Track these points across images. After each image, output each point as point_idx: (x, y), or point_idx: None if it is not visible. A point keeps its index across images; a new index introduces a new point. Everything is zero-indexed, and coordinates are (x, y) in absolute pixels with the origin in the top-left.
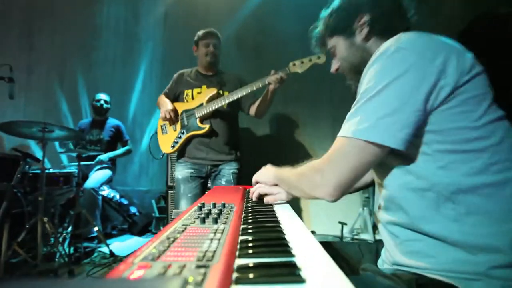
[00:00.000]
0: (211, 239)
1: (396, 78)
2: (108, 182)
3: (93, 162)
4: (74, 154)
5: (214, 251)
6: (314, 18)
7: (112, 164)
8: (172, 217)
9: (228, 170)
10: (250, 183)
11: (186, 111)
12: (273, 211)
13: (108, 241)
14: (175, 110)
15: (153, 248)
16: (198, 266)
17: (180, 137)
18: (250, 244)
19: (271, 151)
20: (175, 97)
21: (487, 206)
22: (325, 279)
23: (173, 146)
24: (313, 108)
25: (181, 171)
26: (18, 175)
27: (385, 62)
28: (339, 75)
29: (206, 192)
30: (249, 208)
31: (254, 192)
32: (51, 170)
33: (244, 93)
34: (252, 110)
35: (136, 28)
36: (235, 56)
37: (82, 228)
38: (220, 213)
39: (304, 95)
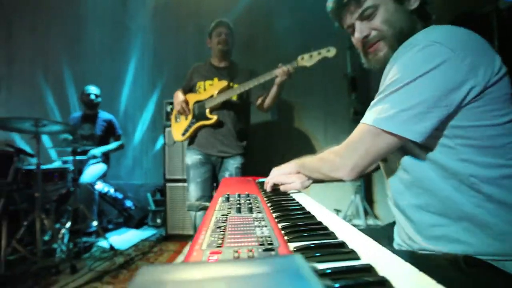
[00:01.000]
0: (259, 227)
1: (425, 73)
2: (103, 176)
3: (85, 157)
4: (69, 149)
5: (269, 237)
6: (306, 15)
7: (105, 158)
8: (186, 209)
9: (232, 164)
10: (253, 174)
11: (197, 101)
12: (294, 199)
13: (106, 235)
14: (186, 101)
15: (210, 236)
16: (267, 249)
17: (190, 126)
18: (295, 229)
19: (261, 143)
20: (190, 89)
21: (506, 196)
22: (376, 255)
23: (184, 134)
24: (303, 99)
25: (191, 157)
26: (13, 171)
27: (416, 55)
28: (331, 63)
29: (219, 183)
30: (272, 198)
31: (269, 181)
32: (46, 166)
33: (252, 86)
34: (259, 103)
35: (125, 18)
36: None
37: (80, 223)
38: (250, 203)
39: (295, 86)
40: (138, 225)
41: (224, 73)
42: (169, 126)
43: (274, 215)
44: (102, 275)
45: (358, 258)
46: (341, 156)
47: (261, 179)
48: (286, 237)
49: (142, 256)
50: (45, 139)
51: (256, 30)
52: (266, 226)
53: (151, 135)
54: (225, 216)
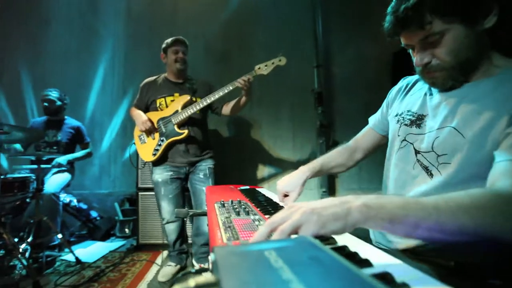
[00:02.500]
0: (260, 225)
1: None
2: (66, 186)
3: (49, 166)
4: (33, 158)
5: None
6: (279, 31)
7: (70, 167)
8: (175, 216)
9: (205, 165)
10: (227, 181)
11: (162, 119)
12: (279, 204)
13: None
14: (150, 120)
15: (225, 233)
16: None
17: (160, 145)
18: None
19: (235, 152)
20: (147, 107)
21: None
22: (383, 260)
23: (155, 154)
24: (274, 111)
25: (161, 174)
26: None
27: None
28: (299, 79)
29: (196, 190)
30: (262, 203)
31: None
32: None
33: (217, 97)
34: (226, 110)
35: (94, 21)
36: (203, 58)
37: (42, 236)
38: (245, 208)
39: (266, 98)
40: (104, 236)
41: (184, 88)
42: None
43: (267, 216)
44: None
45: (371, 266)
46: None
47: (243, 187)
48: None
49: (113, 267)
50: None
51: (231, 44)
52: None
53: (121, 142)
54: (228, 219)
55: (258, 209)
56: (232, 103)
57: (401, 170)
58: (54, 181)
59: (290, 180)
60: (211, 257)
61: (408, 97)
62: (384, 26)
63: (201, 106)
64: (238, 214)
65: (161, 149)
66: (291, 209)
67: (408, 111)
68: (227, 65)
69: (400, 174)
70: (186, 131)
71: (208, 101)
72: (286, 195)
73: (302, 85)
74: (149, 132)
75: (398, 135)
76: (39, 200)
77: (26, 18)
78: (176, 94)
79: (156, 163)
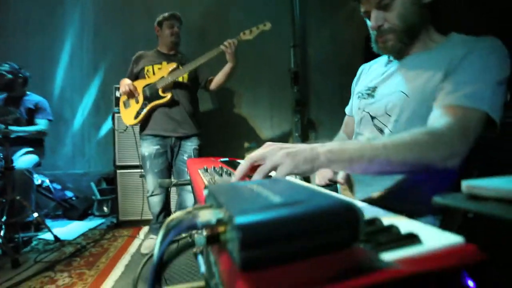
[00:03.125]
0: None
1: None
2: (36, 166)
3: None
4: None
5: None
6: (257, 10)
7: (39, 146)
8: (159, 186)
9: (190, 146)
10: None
11: (147, 85)
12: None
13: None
14: (133, 85)
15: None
16: None
17: (143, 108)
18: None
19: (214, 129)
20: (136, 76)
21: None
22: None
23: (136, 117)
24: (252, 90)
25: (148, 147)
26: None
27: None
28: (277, 58)
29: (179, 166)
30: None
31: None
32: None
33: (202, 61)
34: (213, 84)
35: None
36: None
37: (16, 215)
38: (227, 171)
39: (245, 77)
40: (82, 216)
41: (174, 59)
42: (118, 112)
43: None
44: (52, 265)
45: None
46: (454, 141)
47: (223, 159)
48: None
49: (94, 243)
50: None
51: (209, 21)
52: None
53: (94, 121)
54: (212, 179)
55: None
56: (218, 75)
57: (361, 138)
58: (24, 159)
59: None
60: (204, 192)
61: (366, 76)
62: None
63: (186, 71)
64: (220, 175)
65: (143, 112)
66: (268, 147)
67: (366, 86)
68: (205, 43)
69: (361, 140)
70: (169, 94)
71: (193, 66)
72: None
73: (280, 64)
74: (132, 95)
75: (359, 108)
76: (10, 178)
77: None
78: (164, 63)
79: (143, 134)
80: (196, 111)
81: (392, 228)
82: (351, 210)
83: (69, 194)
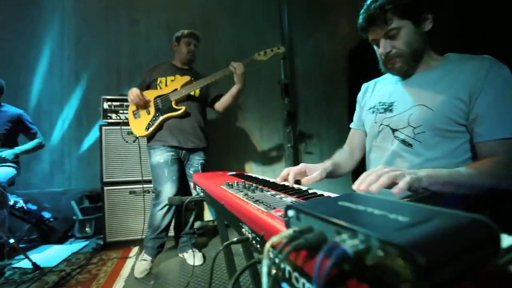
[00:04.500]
0: (282, 197)
1: None
2: (10, 184)
3: None
4: None
5: (296, 201)
6: (243, 23)
7: (15, 162)
8: (167, 203)
9: (197, 160)
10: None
11: (159, 96)
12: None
13: (22, 256)
14: (142, 94)
15: (258, 205)
16: None
17: (155, 119)
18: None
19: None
20: (148, 86)
21: None
22: None
23: (148, 129)
24: (241, 101)
25: (162, 155)
26: None
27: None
28: (266, 70)
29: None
30: (266, 181)
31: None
32: None
33: (213, 79)
34: (218, 105)
35: None
36: (166, 45)
37: None
38: (255, 186)
39: (231, 87)
40: (61, 239)
41: (187, 72)
42: (106, 124)
43: (281, 191)
44: None
45: None
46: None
47: (231, 173)
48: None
49: (80, 269)
50: None
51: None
52: (286, 198)
53: (75, 135)
54: (247, 195)
55: (266, 187)
56: (225, 96)
57: (382, 150)
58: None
59: (313, 165)
60: (288, 213)
61: (376, 93)
62: (358, 24)
63: (198, 86)
64: (253, 191)
65: (155, 123)
66: (387, 168)
67: (379, 102)
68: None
69: (382, 153)
70: (183, 108)
71: (204, 83)
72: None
73: (268, 76)
74: (140, 105)
75: (375, 122)
76: None
77: None
78: (178, 76)
79: (153, 144)
80: (205, 125)
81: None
82: (489, 224)
83: (46, 215)
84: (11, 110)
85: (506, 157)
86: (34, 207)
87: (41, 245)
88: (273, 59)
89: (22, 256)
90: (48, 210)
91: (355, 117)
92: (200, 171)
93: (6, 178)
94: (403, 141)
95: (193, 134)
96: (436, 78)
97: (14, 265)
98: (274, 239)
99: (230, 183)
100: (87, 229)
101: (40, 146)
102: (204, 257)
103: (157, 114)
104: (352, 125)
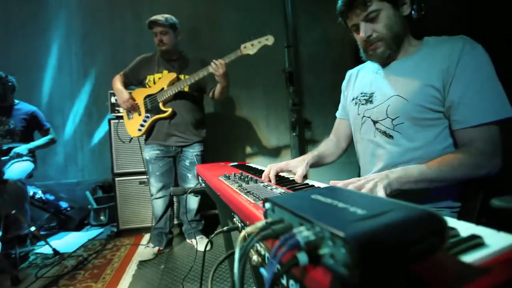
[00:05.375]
0: (273, 189)
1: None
2: (29, 177)
3: (7, 157)
4: None
5: (286, 192)
6: (248, 10)
7: (32, 156)
8: (172, 194)
9: (192, 152)
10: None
11: (148, 96)
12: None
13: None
14: (132, 98)
15: (248, 196)
16: None
17: (145, 121)
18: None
19: (211, 131)
20: (139, 82)
21: None
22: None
23: (140, 130)
24: (247, 91)
25: (149, 152)
26: None
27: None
28: (271, 59)
29: (181, 171)
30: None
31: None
32: None
33: (193, 80)
34: (212, 94)
35: None
36: None
37: (12, 230)
38: (251, 178)
39: (240, 79)
40: (78, 226)
41: (175, 65)
42: (114, 118)
43: (272, 182)
44: (56, 280)
45: None
46: (491, 160)
47: (233, 163)
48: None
49: (96, 254)
50: None
51: (200, 22)
52: (277, 188)
53: (86, 128)
54: (241, 187)
55: (262, 177)
56: (215, 90)
57: (366, 142)
58: (16, 169)
59: (293, 160)
60: (266, 205)
61: (358, 82)
62: (337, 8)
63: (185, 84)
64: (247, 182)
65: (146, 125)
66: (362, 180)
67: (361, 93)
68: (197, 44)
69: (367, 144)
70: (169, 109)
71: (188, 82)
72: (279, 173)
73: (273, 65)
74: (133, 109)
75: (358, 114)
76: (4, 193)
77: None
78: (165, 72)
79: (146, 141)
80: (198, 119)
81: (452, 231)
82: (437, 217)
83: (63, 204)
84: (25, 107)
85: (483, 143)
86: (52, 197)
87: (60, 232)
88: (276, 48)
89: (43, 243)
90: (64, 200)
91: (340, 106)
92: (197, 163)
93: (25, 174)
94: (384, 133)
95: (182, 131)
96: (412, 66)
97: (37, 251)
98: (248, 229)
99: (227, 174)
100: (101, 217)
101: (52, 142)
102: (211, 243)
103: (147, 115)
104: (337, 114)
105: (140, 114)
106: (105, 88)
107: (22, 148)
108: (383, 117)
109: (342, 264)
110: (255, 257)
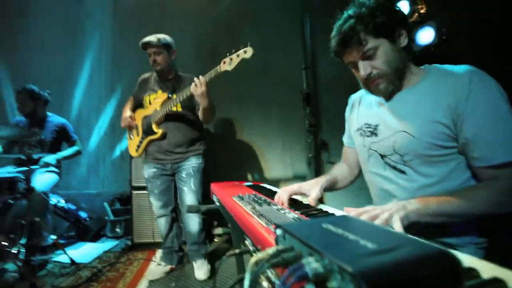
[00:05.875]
0: (286, 213)
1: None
2: (55, 187)
3: (37, 166)
4: (23, 157)
5: (299, 218)
6: (267, 32)
7: (57, 167)
8: (187, 211)
9: (188, 165)
10: (219, 180)
11: (145, 117)
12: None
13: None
14: (131, 117)
15: (261, 220)
16: None
17: (141, 142)
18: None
19: (224, 150)
20: (140, 103)
21: None
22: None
23: (137, 150)
24: (262, 111)
25: (147, 170)
26: None
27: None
28: (288, 80)
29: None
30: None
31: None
32: None
33: (181, 98)
34: (199, 115)
35: (79, 13)
36: (192, 55)
37: (35, 237)
38: (264, 200)
39: (255, 99)
40: (95, 237)
41: (169, 85)
42: None
43: (285, 205)
44: None
45: None
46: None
47: (247, 183)
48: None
49: (110, 267)
50: None
51: (221, 42)
52: (290, 213)
53: (109, 141)
54: (254, 209)
55: (275, 200)
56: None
57: (374, 175)
58: (43, 180)
59: (307, 182)
60: (277, 232)
61: (362, 111)
62: (331, 48)
63: (170, 106)
64: (261, 205)
65: (142, 146)
66: (377, 210)
67: (365, 123)
68: (216, 64)
69: (374, 178)
70: (160, 131)
71: (172, 105)
72: (292, 197)
73: (290, 85)
74: (131, 128)
75: (364, 146)
76: (30, 200)
77: (5, 9)
78: (159, 92)
79: (144, 160)
80: (193, 138)
81: (472, 272)
82: (450, 256)
83: (83, 214)
84: (56, 119)
85: (509, 181)
86: (73, 207)
87: (78, 242)
88: (293, 69)
89: (61, 252)
90: (84, 210)
91: (345, 133)
92: (193, 174)
93: (50, 186)
94: (395, 168)
95: (174, 150)
96: (416, 99)
97: (54, 259)
98: (259, 255)
99: (241, 195)
100: (117, 229)
101: (77, 153)
102: (212, 269)
103: (143, 136)
104: (344, 141)
105: (138, 135)
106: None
107: (51, 158)
108: (391, 152)
109: None
110: (265, 284)
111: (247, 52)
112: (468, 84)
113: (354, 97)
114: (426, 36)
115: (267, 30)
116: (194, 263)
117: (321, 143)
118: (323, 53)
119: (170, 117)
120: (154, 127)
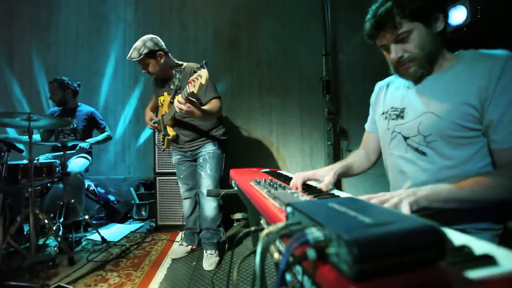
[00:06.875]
0: (299, 196)
1: None
2: (86, 171)
3: (74, 151)
4: (59, 144)
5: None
6: (287, 20)
7: (89, 153)
8: (207, 195)
9: (205, 151)
10: (237, 166)
11: (162, 115)
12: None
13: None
14: (151, 120)
15: (275, 201)
16: None
17: (163, 139)
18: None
19: (244, 136)
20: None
21: None
22: None
23: (163, 145)
24: (282, 98)
25: (174, 157)
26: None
27: None
28: (308, 67)
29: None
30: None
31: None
32: (35, 161)
33: (172, 114)
34: None
35: (103, 8)
36: (211, 44)
37: (71, 216)
38: (279, 184)
39: (275, 86)
40: (122, 219)
41: (168, 86)
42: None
43: (299, 189)
44: (103, 265)
45: None
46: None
47: (265, 170)
48: None
49: (136, 246)
50: (12, 133)
51: (240, 31)
52: (302, 196)
53: (134, 130)
54: (270, 192)
55: (290, 185)
56: None
57: (395, 157)
58: (77, 163)
59: (322, 169)
60: (288, 209)
61: (388, 97)
62: (365, 31)
63: (172, 114)
64: (276, 189)
65: (164, 143)
66: (387, 195)
67: (392, 107)
68: (236, 52)
69: (395, 160)
70: (173, 133)
71: (173, 112)
72: (307, 182)
73: (310, 72)
74: (155, 128)
75: (388, 129)
76: (66, 183)
77: (37, 5)
78: (165, 93)
79: (172, 147)
80: (204, 129)
81: (464, 248)
82: (438, 230)
83: (112, 198)
84: (85, 109)
85: None
86: (102, 191)
87: (107, 223)
88: (314, 56)
89: (94, 231)
90: (112, 194)
91: (369, 119)
92: (209, 159)
93: (83, 168)
94: (417, 149)
95: (192, 139)
96: (446, 82)
97: (88, 237)
98: (270, 228)
99: (258, 180)
100: (142, 212)
101: (108, 138)
102: (220, 261)
103: (163, 135)
104: (366, 127)
105: (161, 131)
106: (151, 94)
107: (86, 143)
108: (415, 134)
109: (344, 262)
110: (276, 255)
111: (201, 77)
112: (502, 67)
113: (381, 84)
114: (457, 15)
115: (287, 16)
116: (204, 251)
117: (340, 131)
118: (345, 39)
119: (178, 118)
120: (168, 129)
